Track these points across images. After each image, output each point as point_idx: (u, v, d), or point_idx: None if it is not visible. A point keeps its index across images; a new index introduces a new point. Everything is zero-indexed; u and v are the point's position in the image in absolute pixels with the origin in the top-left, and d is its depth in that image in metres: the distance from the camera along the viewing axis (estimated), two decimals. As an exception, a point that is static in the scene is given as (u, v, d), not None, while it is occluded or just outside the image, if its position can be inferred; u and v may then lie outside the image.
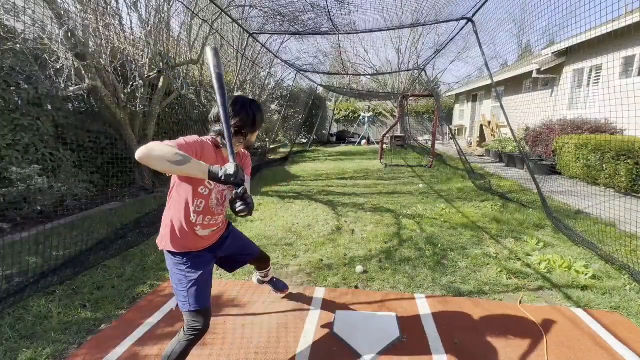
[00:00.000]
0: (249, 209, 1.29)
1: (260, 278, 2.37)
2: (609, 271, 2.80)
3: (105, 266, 2.90)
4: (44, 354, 1.85)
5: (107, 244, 3.19)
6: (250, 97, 1.61)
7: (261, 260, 2.18)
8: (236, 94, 8.71)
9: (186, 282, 1.51)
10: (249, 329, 2.11)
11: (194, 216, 1.52)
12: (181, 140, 1.37)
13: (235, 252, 1.90)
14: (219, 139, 1.53)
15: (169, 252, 1.56)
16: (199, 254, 1.60)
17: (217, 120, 1.51)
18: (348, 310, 2.31)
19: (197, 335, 1.50)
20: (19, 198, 3.76)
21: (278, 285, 2.42)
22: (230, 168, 1.26)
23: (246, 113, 1.52)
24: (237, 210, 1.29)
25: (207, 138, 1.52)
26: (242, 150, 1.70)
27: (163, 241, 1.56)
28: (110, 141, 5.35)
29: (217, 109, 1.48)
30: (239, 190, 1.29)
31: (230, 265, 1.96)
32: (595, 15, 2.93)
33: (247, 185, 1.48)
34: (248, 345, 1.95)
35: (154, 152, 1.20)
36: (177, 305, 1.57)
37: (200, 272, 1.55)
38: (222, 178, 1.26)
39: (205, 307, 1.52)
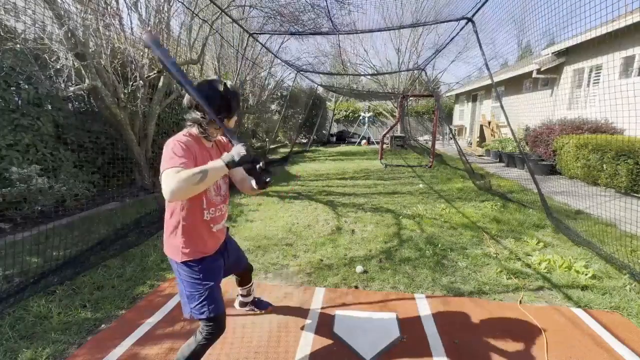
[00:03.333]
0: (272, 176, 1.35)
1: (242, 299, 2.24)
2: (609, 271, 2.80)
3: (105, 266, 2.90)
4: (44, 354, 1.85)
5: (107, 244, 3.18)
6: (224, 81, 1.48)
7: (247, 271, 2.09)
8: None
9: (203, 289, 1.49)
10: (249, 329, 2.11)
11: (206, 214, 1.51)
12: (174, 157, 1.28)
13: (233, 258, 1.85)
14: (194, 129, 1.45)
15: (184, 262, 1.50)
16: (213, 259, 1.58)
17: (191, 106, 1.43)
18: (348, 310, 2.31)
19: (213, 339, 1.53)
20: (19, 198, 3.76)
21: (261, 305, 2.30)
22: (241, 149, 1.27)
23: (220, 97, 1.40)
24: (266, 182, 1.38)
25: (183, 136, 1.41)
26: (222, 139, 1.64)
27: (179, 253, 1.49)
28: (111, 141, 5.35)
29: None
30: (260, 165, 1.33)
31: (225, 273, 1.86)
32: (596, 15, 2.93)
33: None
34: (248, 345, 1.95)
35: (179, 187, 1.18)
36: (190, 314, 1.52)
37: (216, 278, 1.57)
38: (240, 161, 1.26)
39: (222, 312, 1.54)
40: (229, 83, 1.47)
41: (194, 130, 1.46)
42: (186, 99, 1.45)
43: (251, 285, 2.20)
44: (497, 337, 2.02)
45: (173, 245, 1.51)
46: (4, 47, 3.93)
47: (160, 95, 5.63)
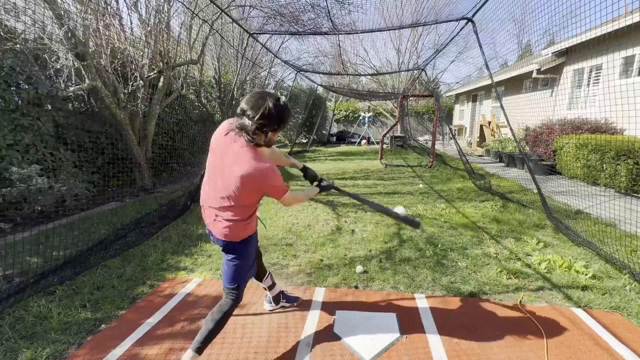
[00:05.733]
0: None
1: (270, 295, 2.26)
2: (609, 271, 2.80)
3: (105, 266, 2.90)
4: (44, 354, 1.85)
5: (107, 244, 3.18)
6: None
7: (260, 264, 2.13)
8: (236, 94, 8.70)
9: (251, 259, 1.80)
10: (249, 329, 2.11)
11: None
12: (280, 181, 1.59)
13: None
14: (244, 135, 1.51)
15: (249, 236, 1.73)
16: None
17: (242, 113, 1.53)
18: (348, 310, 2.31)
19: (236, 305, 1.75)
20: (19, 198, 3.76)
21: (290, 299, 2.36)
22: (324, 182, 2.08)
23: (272, 112, 1.50)
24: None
25: (254, 151, 1.54)
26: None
27: (246, 231, 1.69)
28: (111, 141, 5.35)
29: (244, 105, 1.52)
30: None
31: None
32: (596, 15, 2.93)
33: None
34: (248, 345, 1.95)
35: (299, 200, 2.00)
36: (236, 284, 1.72)
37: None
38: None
39: None
40: (282, 99, 1.58)
41: (244, 135, 1.54)
42: (240, 107, 1.55)
43: (269, 276, 2.21)
44: (497, 337, 2.02)
45: (242, 227, 1.66)
46: (4, 47, 3.93)
47: (160, 95, 5.63)
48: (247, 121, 1.49)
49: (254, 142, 1.51)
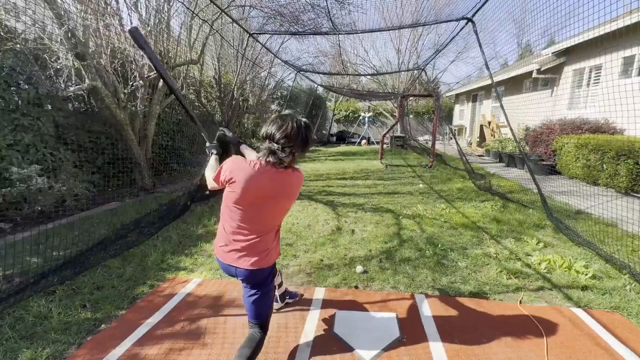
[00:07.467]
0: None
1: (276, 293, 2.25)
2: (609, 271, 2.80)
3: (105, 266, 2.90)
4: (44, 354, 1.85)
5: (107, 244, 3.18)
6: (287, 112, 1.61)
7: None
8: (236, 94, 8.69)
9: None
10: (249, 329, 2.10)
11: None
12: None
13: None
14: (270, 158, 1.52)
15: (274, 262, 1.74)
16: None
17: (270, 138, 1.52)
18: (348, 310, 2.31)
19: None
20: (19, 198, 3.76)
21: (292, 295, 2.41)
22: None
23: (303, 135, 1.54)
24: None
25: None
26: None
27: (275, 253, 1.72)
28: (111, 141, 5.35)
29: (269, 128, 1.52)
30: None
31: None
32: (596, 15, 2.93)
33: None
34: (248, 345, 1.95)
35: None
36: (267, 315, 1.75)
37: None
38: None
39: None
40: (305, 120, 1.59)
41: (270, 158, 1.54)
42: (266, 132, 1.54)
43: (278, 274, 2.22)
44: (497, 337, 2.02)
45: (272, 250, 1.69)
46: (4, 47, 3.93)
47: (160, 95, 5.63)
48: (275, 146, 1.50)
49: (285, 164, 1.55)
